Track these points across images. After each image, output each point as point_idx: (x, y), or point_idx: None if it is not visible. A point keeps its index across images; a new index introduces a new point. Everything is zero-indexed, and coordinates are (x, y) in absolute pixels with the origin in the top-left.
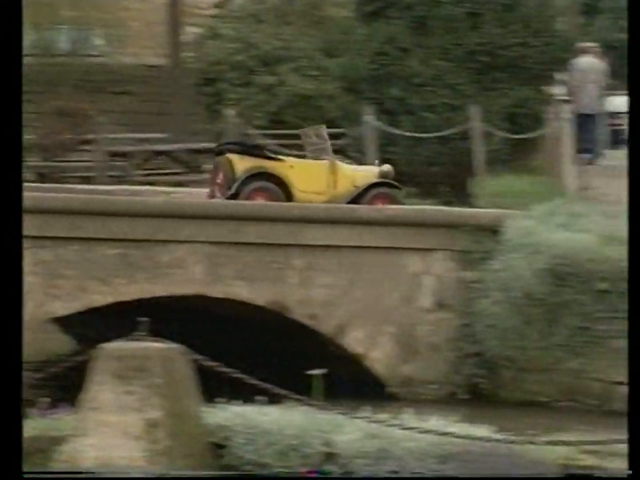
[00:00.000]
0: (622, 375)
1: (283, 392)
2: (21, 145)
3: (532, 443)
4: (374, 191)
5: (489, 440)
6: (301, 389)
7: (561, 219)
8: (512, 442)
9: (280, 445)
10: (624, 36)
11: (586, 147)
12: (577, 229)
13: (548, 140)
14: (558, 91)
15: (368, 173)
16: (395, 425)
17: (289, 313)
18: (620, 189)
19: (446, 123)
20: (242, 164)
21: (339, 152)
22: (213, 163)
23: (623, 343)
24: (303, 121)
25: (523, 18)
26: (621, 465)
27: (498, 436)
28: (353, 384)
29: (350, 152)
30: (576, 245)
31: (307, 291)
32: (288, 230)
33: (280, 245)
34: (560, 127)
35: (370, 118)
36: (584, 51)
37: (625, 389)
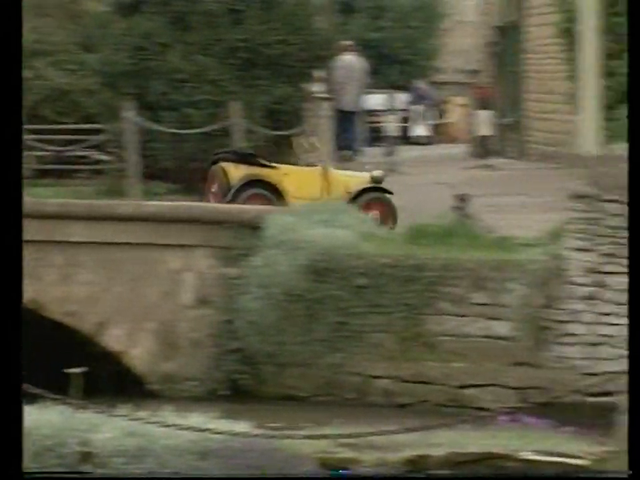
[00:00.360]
0: (378, 368)
1: (40, 391)
2: (21, 146)
3: (290, 437)
4: (366, 196)
5: (248, 435)
6: (60, 388)
7: (321, 215)
8: (271, 437)
9: (35, 446)
10: (380, 35)
11: (345, 143)
12: (337, 225)
13: (309, 137)
14: (318, 88)
15: (360, 178)
16: (154, 423)
17: (47, 311)
18: None
19: (209, 119)
20: (236, 172)
21: (97, 148)
22: (208, 172)
23: (379, 337)
24: (62, 116)
25: (283, 15)
26: (376, 457)
27: (257, 431)
28: (114, 382)
29: (109, 148)
30: (335, 241)
31: (66, 289)
32: (46, 226)
33: (38, 242)
34: (320, 124)
35: (130, 113)
36: (344, 50)
37: (381, 383)
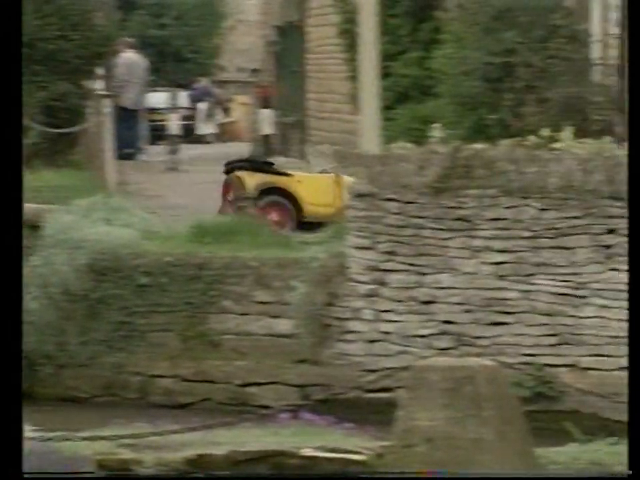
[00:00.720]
0: (160, 368)
1: None
2: (21, 147)
3: (69, 439)
4: None
5: (24, 438)
6: None
7: (102, 213)
8: (48, 439)
9: None
10: (162, 32)
11: (127, 142)
12: (118, 223)
13: (89, 135)
14: (98, 85)
15: None
16: None
17: None
18: (159, 184)
19: None
20: (252, 180)
21: None
22: (223, 181)
23: (161, 337)
24: None
25: (60, 10)
26: (156, 457)
27: (34, 434)
28: None
29: None
30: (116, 240)
31: None
32: None
33: None
34: (101, 122)
35: None
36: (126, 47)
37: (163, 382)
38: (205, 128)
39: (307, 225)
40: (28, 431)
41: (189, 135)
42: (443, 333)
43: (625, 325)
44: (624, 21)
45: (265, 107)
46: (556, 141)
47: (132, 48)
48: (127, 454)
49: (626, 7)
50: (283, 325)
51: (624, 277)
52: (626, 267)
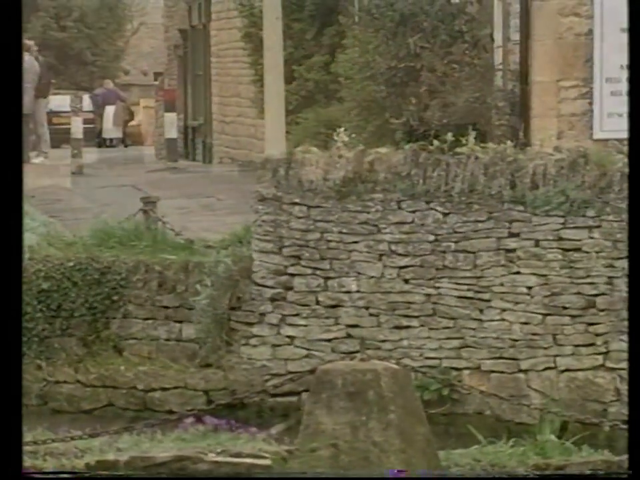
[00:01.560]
0: (62, 373)
1: None
2: (21, 145)
3: None
4: None
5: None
6: None
7: None
8: None
9: None
10: (64, 35)
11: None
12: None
13: None
14: None
15: None
16: None
17: None
18: (62, 187)
19: None
20: None
21: None
22: None
23: (64, 342)
24: None
25: None
26: (58, 464)
27: None
28: None
29: None
30: None
31: None
32: None
33: None
34: None
35: None
36: (23, 49)
37: (66, 388)
38: (109, 131)
39: None
40: None
41: (95, 139)
42: (348, 337)
43: (527, 328)
44: (523, 27)
45: (169, 110)
46: (459, 145)
47: (25, 51)
48: (27, 461)
49: (524, 14)
50: (188, 330)
51: (525, 280)
52: (527, 270)
